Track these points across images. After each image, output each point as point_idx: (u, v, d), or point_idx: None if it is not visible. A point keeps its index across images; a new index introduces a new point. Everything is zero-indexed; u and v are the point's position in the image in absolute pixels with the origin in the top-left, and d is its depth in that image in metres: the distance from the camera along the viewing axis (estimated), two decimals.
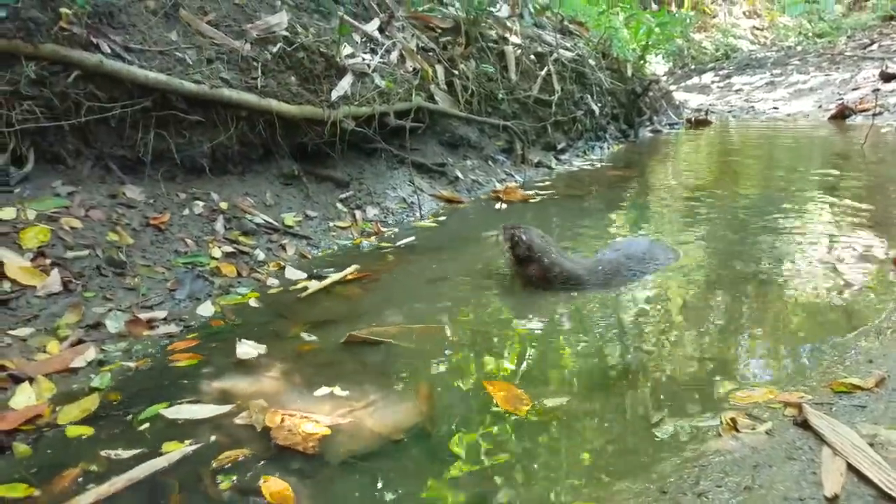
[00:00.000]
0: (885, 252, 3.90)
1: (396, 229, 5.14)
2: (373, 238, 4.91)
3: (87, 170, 3.90)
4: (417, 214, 5.52)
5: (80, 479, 2.06)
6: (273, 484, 2.03)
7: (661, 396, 2.49)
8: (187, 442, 2.24)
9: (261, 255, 4.16)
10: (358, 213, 5.25)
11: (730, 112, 14.05)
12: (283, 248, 4.40)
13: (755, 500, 1.73)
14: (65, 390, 2.57)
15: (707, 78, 18.84)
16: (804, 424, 2.09)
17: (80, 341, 2.84)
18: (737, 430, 2.15)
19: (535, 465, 2.11)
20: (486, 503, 1.94)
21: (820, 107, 12.79)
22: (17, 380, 2.50)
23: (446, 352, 2.95)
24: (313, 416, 2.35)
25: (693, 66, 20.51)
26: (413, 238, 4.85)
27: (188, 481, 2.05)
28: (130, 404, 2.49)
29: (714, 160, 8.32)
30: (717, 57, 20.76)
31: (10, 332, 2.74)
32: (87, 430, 2.33)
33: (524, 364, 2.82)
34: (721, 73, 19.01)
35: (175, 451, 2.19)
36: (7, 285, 2.91)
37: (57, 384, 2.57)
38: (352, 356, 2.90)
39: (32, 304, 2.92)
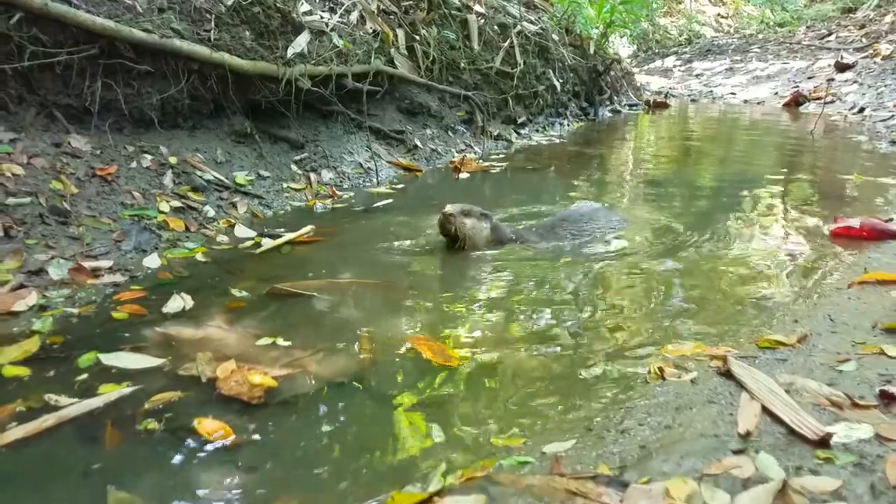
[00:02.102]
0: (825, 227, 4.07)
1: (352, 193, 5.14)
2: (328, 201, 4.89)
3: (30, 117, 3.78)
4: (374, 180, 5.51)
5: (14, 416, 2.04)
6: (209, 423, 2.04)
7: (594, 350, 2.57)
8: (125, 384, 2.23)
9: (211, 212, 4.11)
10: (313, 176, 5.22)
11: (689, 96, 14.31)
12: (234, 206, 4.36)
13: (673, 436, 1.82)
14: (4, 332, 2.53)
15: (669, 62, 19.12)
16: (727, 374, 2.19)
17: (21, 286, 2.79)
18: (663, 378, 2.25)
19: (469, 407, 2.18)
20: (422, 438, 2.00)
21: (776, 94, 13.12)
22: None
23: (381, 306, 3.01)
24: (260, 368, 2.35)
25: (657, 50, 20.78)
26: (368, 203, 4.86)
27: (122, 420, 2.05)
28: (72, 348, 2.47)
29: (672, 141, 8.50)
30: (681, 42, 21.06)
31: None
32: (25, 371, 2.30)
33: (457, 317, 2.88)
34: (683, 57, 19.31)
35: (112, 391, 2.18)
36: None
37: None
38: (293, 309, 2.91)
39: None
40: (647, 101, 11.82)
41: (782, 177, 5.82)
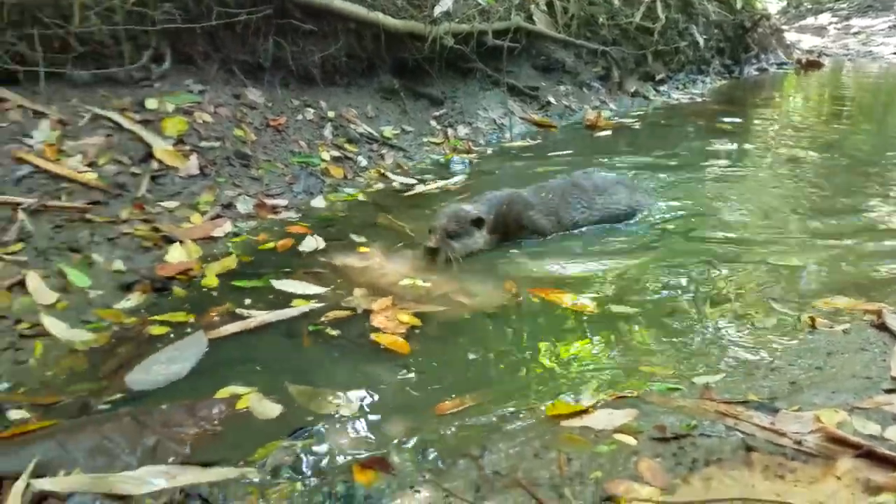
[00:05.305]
0: None
1: (488, 149, 5.33)
2: (464, 155, 5.12)
3: (213, 72, 4.27)
4: (508, 136, 5.67)
5: (224, 316, 2.47)
6: (386, 337, 2.34)
7: (737, 300, 2.62)
8: (313, 301, 2.59)
9: (363, 162, 4.48)
10: (450, 131, 5.46)
11: (845, 56, 13.16)
12: (382, 157, 4.70)
13: (825, 376, 1.89)
14: (207, 252, 3.00)
15: (823, 19, 17.59)
16: (881, 326, 2.20)
17: (218, 216, 3.25)
18: (814, 328, 2.29)
19: (615, 343, 2.33)
20: (570, 362, 2.19)
21: None
22: (168, 241, 2.93)
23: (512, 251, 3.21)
24: (411, 304, 2.59)
25: (809, 6, 19.13)
26: (504, 156, 5.07)
27: (303, 327, 2.41)
28: (260, 268, 2.89)
29: (824, 105, 7.91)
30: None
31: (160, 203, 3.17)
32: (227, 282, 2.75)
33: (590, 262, 3.04)
34: (840, 14, 17.67)
35: (303, 305, 2.55)
36: (155, 164, 3.33)
37: (201, 248, 3.00)
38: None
39: (176, 183, 3.34)
40: (797, 59, 11.03)
41: None
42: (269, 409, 1.90)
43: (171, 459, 1.72)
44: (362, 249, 3.14)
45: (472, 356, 2.25)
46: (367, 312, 2.53)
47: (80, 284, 2.56)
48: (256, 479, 1.57)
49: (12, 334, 2.26)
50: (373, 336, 2.33)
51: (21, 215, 2.71)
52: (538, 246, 3.25)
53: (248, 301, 2.58)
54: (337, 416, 1.87)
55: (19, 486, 1.53)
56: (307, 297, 2.62)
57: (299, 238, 3.19)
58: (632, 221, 3.54)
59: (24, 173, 2.93)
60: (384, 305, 2.59)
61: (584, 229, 3.42)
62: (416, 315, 2.50)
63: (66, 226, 2.80)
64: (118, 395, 2.00)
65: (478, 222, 3.11)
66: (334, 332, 2.38)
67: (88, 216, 2.89)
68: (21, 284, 2.45)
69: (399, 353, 2.25)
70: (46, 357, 2.21)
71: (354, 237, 3.27)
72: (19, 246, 2.62)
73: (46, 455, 1.67)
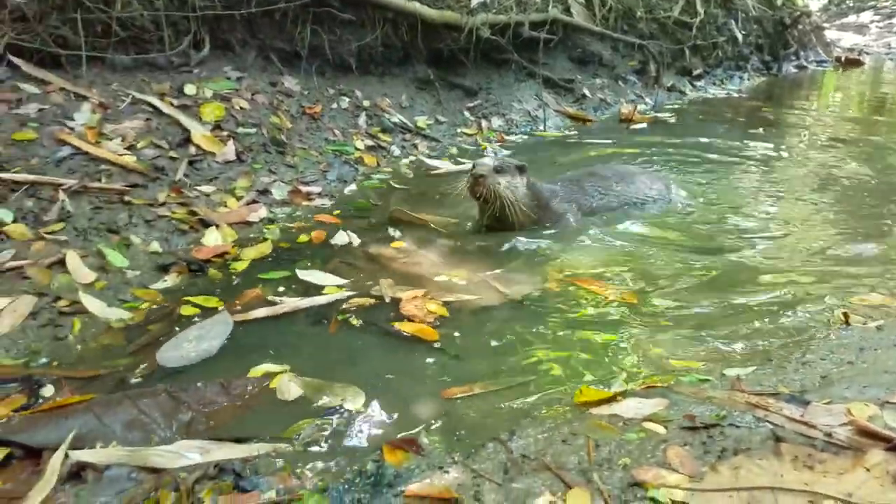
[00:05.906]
0: None
1: (520, 140, 5.31)
2: (497, 146, 5.11)
3: (251, 59, 4.33)
4: (542, 128, 5.64)
5: (256, 300, 2.50)
6: (413, 325, 2.34)
7: (775, 299, 2.57)
8: (343, 289, 2.60)
9: (396, 151, 4.50)
10: (484, 122, 5.45)
11: (887, 54, 12.80)
12: (416, 146, 4.71)
13: (856, 370, 1.85)
14: (243, 237, 3.05)
15: (865, 17, 17.10)
16: None
17: (253, 202, 3.30)
18: (847, 324, 2.24)
19: (646, 334, 2.31)
20: (601, 352, 2.17)
21: None
22: (204, 224, 2.99)
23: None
24: (438, 295, 2.57)
25: (851, 4, 18.61)
26: (537, 146, 5.06)
27: (332, 315, 2.41)
28: (294, 254, 2.92)
29: (864, 104, 7.70)
30: None
31: (197, 187, 3.22)
32: (262, 267, 2.77)
33: (621, 256, 3.00)
34: (883, 12, 17.16)
35: (334, 293, 2.56)
36: (193, 149, 3.38)
37: (237, 232, 3.05)
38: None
39: (213, 168, 3.40)
40: (837, 57, 10.77)
41: None
42: (294, 390, 1.92)
43: (204, 435, 1.75)
44: (395, 245, 3.14)
45: (503, 343, 2.25)
46: (396, 301, 2.53)
47: (117, 264, 2.62)
48: (288, 456, 1.59)
49: (52, 311, 2.32)
50: (398, 325, 2.34)
51: (62, 196, 2.77)
52: (570, 236, 3.23)
53: (280, 288, 2.60)
54: (363, 400, 1.88)
55: (58, 456, 1.57)
56: (338, 286, 2.63)
57: (333, 229, 3.20)
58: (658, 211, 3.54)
59: (66, 154, 3.00)
60: (413, 295, 2.60)
61: (618, 224, 3.39)
62: (446, 303, 2.50)
63: (106, 207, 2.87)
64: (149, 371, 2.04)
65: (521, 168, 3.16)
66: (362, 320, 2.38)
67: (127, 198, 2.95)
68: (61, 263, 2.51)
69: (427, 339, 2.26)
70: (84, 334, 2.26)
71: (387, 227, 3.29)
72: (60, 225, 2.68)
73: (84, 428, 1.71)
